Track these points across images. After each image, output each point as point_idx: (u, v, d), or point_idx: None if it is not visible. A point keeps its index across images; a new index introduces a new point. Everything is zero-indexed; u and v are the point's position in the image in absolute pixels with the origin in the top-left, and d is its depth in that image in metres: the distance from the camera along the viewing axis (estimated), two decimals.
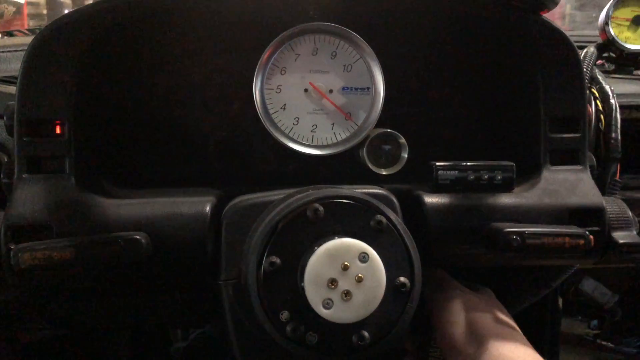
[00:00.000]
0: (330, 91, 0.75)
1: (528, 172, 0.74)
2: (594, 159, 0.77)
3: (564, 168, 0.73)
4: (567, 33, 0.75)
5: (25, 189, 0.62)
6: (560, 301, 1.17)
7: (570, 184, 0.71)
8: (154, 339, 1.31)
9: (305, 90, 0.74)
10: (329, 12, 0.72)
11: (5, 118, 0.65)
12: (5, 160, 0.75)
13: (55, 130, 0.65)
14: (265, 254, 0.54)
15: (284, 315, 0.53)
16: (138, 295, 0.79)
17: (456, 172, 0.68)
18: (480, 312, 0.65)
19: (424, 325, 0.69)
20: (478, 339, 0.61)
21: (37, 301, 0.76)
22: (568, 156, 0.74)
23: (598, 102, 0.83)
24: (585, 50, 0.92)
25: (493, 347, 0.59)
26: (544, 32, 0.72)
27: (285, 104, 0.74)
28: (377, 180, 0.73)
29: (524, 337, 0.63)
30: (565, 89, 0.73)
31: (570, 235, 0.64)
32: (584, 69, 0.78)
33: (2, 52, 0.89)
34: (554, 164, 0.74)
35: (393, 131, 0.74)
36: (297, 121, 0.74)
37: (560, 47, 0.73)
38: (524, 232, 0.63)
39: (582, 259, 0.72)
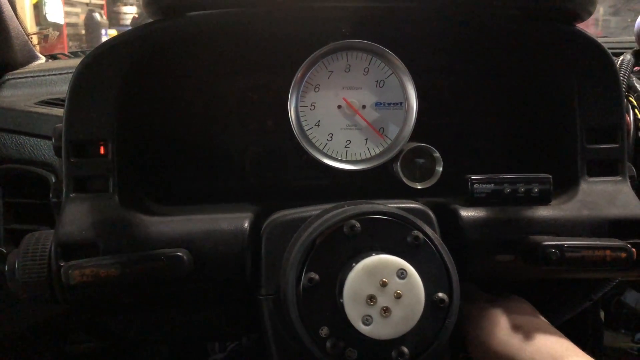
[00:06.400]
0: (364, 107, 0.75)
1: (565, 184, 0.73)
2: (634, 169, 0.75)
3: (602, 179, 0.72)
4: (602, 39, 0.74)
5: (72, 208, 0.65)
6: (602, 314, 1.14)
7: (609, 196, 0.70)
8: (192, 351, 1.34)
9: (339, 106, 0.75)
10: (361, 29, 0.73)
11: (53, 140, 0.68)
12: (53, 180, 0.78)
13: (99, 151, 0.68)
14: (304, 270, 0.55)
15: (324, 330, 0.54)
16: (179, 310, 0.81)
17: (492, 185, 0.68)
18: (515, 315, 0.65)
19: (455, 340, 0.68)
20: (518, 338, 0.62)
21: (83, 315, 0.79)
22: (607, 167, 0.73)
23: (637, 110, 0.82)
24: (621, 58, 0.91)
25: (535, 342, 0.60)
26: (578, 43, 0.72)
27: (319, 121, 0.75)
28: (411, 194, 0.73)
29: (557, 331, 0.63)
30: (601, 99, 0.72)
31: (611, 248, 0.63)
32: (621, 78, 0.77)
33: (48, 75, 0.93)
34: (592, 175, 0.73)
35: (427, 145, 0.74)
36: (331, 137, 0.76)
37: (596, 56, 0.72)
38: (562, 245, 0.63)
39: (624, 272, 0.70)
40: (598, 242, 0.64)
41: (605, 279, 0.80)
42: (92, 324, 0.85)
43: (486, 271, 0.69)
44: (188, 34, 0.71)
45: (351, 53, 0.74)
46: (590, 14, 0.71)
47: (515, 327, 0.63)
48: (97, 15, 4.79)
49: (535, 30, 0.73)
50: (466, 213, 0.68)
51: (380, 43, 0.72)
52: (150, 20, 0.69)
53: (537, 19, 0.71)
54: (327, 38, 0.72)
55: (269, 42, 0.77)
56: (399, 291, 0.52)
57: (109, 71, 0.67)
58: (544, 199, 0.68)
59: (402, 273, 0.52)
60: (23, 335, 0.87)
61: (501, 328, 0.64)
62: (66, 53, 1.24)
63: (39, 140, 0.82)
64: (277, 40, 0.77)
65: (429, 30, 0.77)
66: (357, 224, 0.56)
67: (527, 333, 0.62)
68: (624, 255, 0.62)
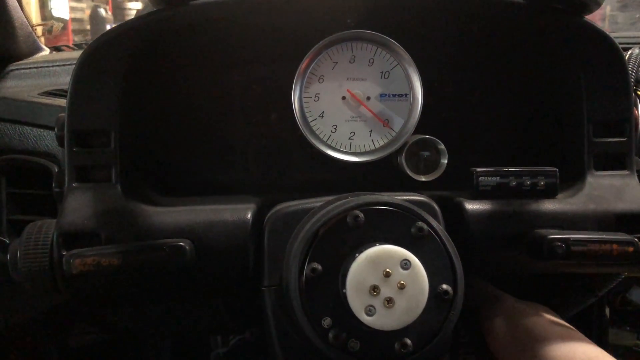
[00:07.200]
0: (368, 98, 0.75)
1: (572, 178, 0.73)
2: None
3: (609, 173, 0.72)
4: (610, 34, 0.73)
5: (75, 198, 0.65)
6: (607, 310, 1.13)
7: (616, 190, 0.69)
8: (195, 345, 1.34)
9: (343, 97, 0.75)
10: (366, 20, 0.73)
11: (56, 129, 0.68)
12: (56, 170, 0.78)
13: (102, 140, 0.67)
14: (307, 261, 0.55)
15: (326, 321, 0.54)
16: (181, 301, 0.80)
17: (498, 178, 0.67)
18: (534, 317, 0.64)
19: (479, 342, 0.68)
20: (534, 342, 0.60)
21: (85, 307, 0.79)
22: (614, 161, 0.72)
23: None
24: (630, 52, 0.90)
25: (550, 348, 0.59)
26: (586, 35, 0.71)
27: (323, 112, 0.75)
28: (416, 186, 0.72)
29: (584, 336, 0.61)
30: (609, 92, 0.72)
31: (618, 242, 0.63)
32: (629, 71, 0.76)
33: (52, 66, 0.93)
34: (598, 169, 0.72)
35: (432, 137, 0.73)
36: (335, 129, 0.75)
37: (604, 49, 0.71)
38: (568, 238, 0.62)
39: (631, 266, 0.69)
40: (605, 236, 0.64)
41: (610, 274, 0.80)
42: (95, 316, 0.85)
43: (491, 265, 0.69)
44: (191, 24, 0.70)
45: (356, 44, 0.73)
46: (598, 5, 0.70)
47: (532, 330, 0.62)
48: (102, 11, 4.79)
49: (543, 22, 0.72)
50: (471, 206, 0.67)
51: (386, 34, 0.72)
52: (154, 9, 0.68)
53: (545, 10, 0.71)
54: (332, 28, 0.72)
55: (273, 33, 0.77)
56: (402, 282, 0.51)
57: (112, 60, 0.67)
58: (550, 193, 0.68)
59: (406, 264, 0.52)
60: (26, 327, 0.87)
61: (518, 331, 0.62)
62: (70, 45, 1.24)
63: (42, 130, 0.82)
64: (281, 30, 0.76)
65: (435, 21, 0.76)
66: (361, 215, 0.55)
67: (544, 336, 0.60)
68: (631, 249, 0.62)
